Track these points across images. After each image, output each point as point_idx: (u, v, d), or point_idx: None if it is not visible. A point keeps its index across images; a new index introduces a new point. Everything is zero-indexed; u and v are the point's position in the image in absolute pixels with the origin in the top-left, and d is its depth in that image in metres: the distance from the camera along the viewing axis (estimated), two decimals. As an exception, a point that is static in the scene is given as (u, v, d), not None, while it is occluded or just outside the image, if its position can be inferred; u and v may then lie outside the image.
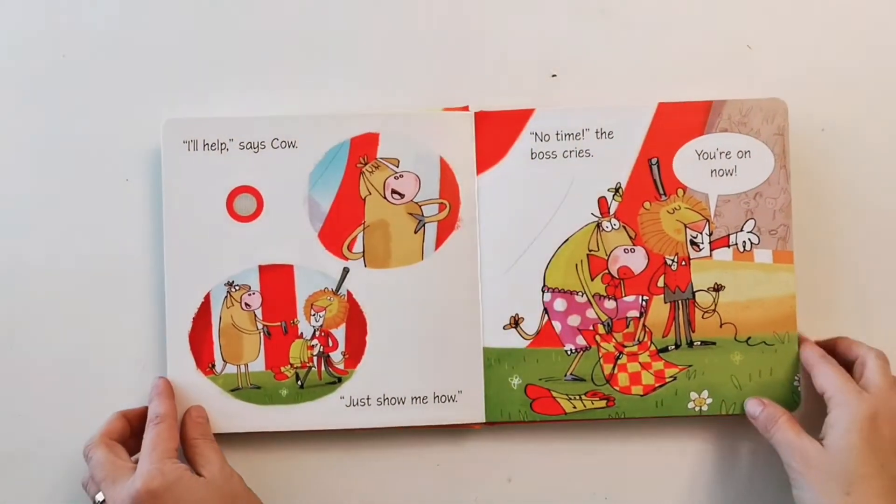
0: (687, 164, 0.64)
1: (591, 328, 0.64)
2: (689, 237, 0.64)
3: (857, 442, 0.57)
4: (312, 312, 0.65)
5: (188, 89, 0.67)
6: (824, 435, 0.59)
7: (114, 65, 0.67)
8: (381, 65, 0.67)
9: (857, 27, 0.68)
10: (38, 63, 0.67)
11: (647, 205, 0.64)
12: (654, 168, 0.64)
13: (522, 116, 0.65)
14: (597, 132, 0.65)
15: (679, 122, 0.64)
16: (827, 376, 0.60)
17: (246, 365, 0.64)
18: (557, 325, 0.64)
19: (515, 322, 0.64)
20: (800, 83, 0.67)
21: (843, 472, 0.57)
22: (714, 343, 0.64)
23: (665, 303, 0.64)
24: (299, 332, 0.65)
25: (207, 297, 0.64)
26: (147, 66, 0.67)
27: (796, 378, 0.63)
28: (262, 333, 0.65)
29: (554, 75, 0.66)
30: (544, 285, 0.64)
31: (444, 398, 0.64)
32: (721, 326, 0.64)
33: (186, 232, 0.64)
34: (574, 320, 0.64)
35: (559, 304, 0.64)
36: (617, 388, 0.64)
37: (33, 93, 0.67)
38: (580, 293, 0.64)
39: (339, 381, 0.64)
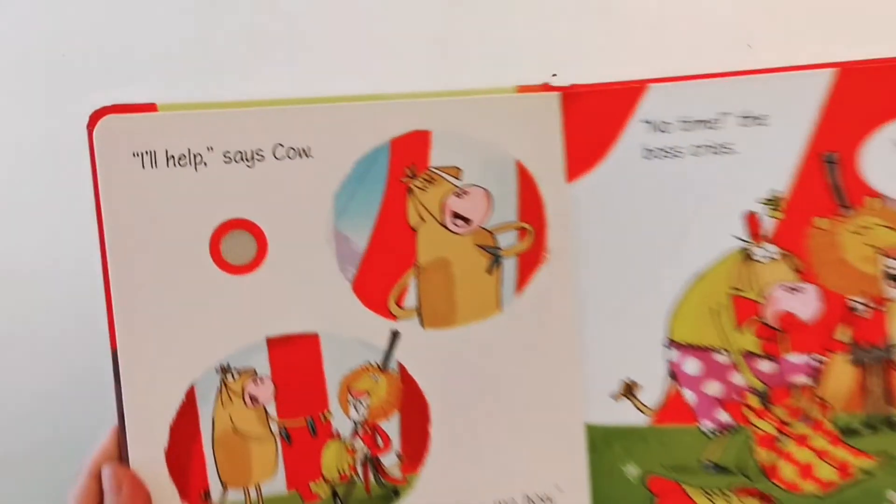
0: (882, 160, 0.46)
1: (737, 399, 0.48)
2: (885, 269, 0.46)
3: None
4: (351, 400, 0.48)
5: (189, 90, 0.59)
6: None
7: (114, 65, 0.67)
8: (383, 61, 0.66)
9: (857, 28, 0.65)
10: (38, 63, 0.68)
11: (819, 222, 0.47)
12: (831, 167, 0.46)
13: (630, 95, 0.47)
14: (742, 116, 0.47)
15: (867, 97, 0.45)
16: None
17: (258, 486, 0.48)
18: (689, 395, 0.48)
19: (629, 389, 0.49)
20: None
21: None
22: (925, 420, 0.46)
23: (851, 364, 0.47)
24: (334, 431, 0.48)
25: (191, 393, 0.47)
26: (148, 67, 0.67)
27: None
28: (278, 438, 0.48)
29: (554, 75, 0.51)
30: (668, 339, 0.48)
31: (537, 499, 0.48)
32: (935, 396, 0.46)
33: (148, 296, 0.45)
34: (713, 388, 0.48)
35: (691, 366, 0.48)
36: (779, 484, 0.47)
37: (33, 93, 0.68)
38: (721, 350, 0.48)
39: (397, 493, 0.48)
